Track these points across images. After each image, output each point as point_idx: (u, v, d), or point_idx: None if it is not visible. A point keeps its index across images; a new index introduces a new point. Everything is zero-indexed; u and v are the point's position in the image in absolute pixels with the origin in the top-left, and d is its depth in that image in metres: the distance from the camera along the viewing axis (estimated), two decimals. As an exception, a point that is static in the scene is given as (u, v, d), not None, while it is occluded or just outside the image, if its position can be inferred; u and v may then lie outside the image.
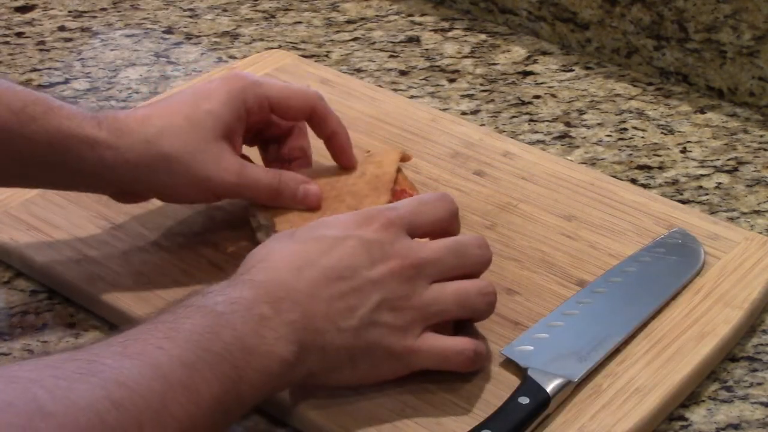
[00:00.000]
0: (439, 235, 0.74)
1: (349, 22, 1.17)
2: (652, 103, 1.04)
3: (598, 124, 1.01)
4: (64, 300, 0.82)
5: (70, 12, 1.18)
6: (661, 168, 0.96)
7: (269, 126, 0.85)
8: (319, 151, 0.86)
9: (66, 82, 1.06)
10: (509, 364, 0.74)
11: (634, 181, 0.94)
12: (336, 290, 0.69)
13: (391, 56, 1.11)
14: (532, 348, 0.74)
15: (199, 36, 1.14)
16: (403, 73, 1.09)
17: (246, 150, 0.85)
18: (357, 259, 0.70)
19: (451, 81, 1.07)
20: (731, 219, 0.90)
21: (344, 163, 0.85)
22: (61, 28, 1.15)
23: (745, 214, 0.91)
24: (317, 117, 0.84)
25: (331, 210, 0.81)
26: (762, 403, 0.74)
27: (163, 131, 0.78)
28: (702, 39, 1.03)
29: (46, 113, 0.76)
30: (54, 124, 0.76)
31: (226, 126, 0.80)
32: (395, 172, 0.84)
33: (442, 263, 0.72)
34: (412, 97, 1.04)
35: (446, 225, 0.74)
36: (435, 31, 1.15)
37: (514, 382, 0.72)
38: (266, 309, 0.65)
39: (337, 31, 1.15)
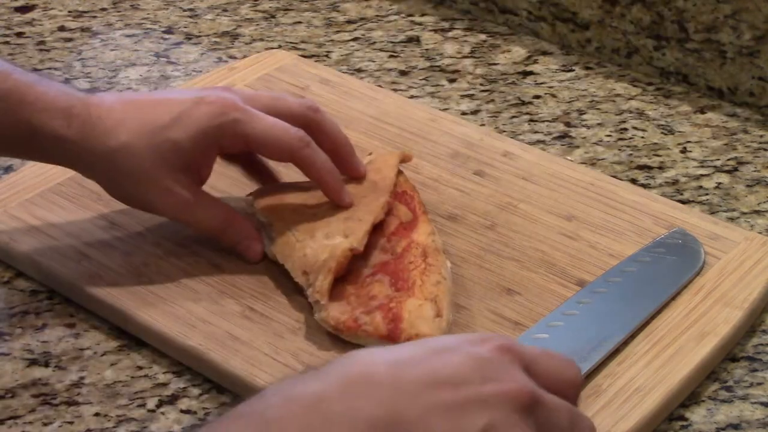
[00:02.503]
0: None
1: (349, 22, 1.17)
2: (652, 103, 1.04)
3: (598, 124, 1.01)
4: (64, 300, 0.82)
5: (70, 12, 1.18)
6: (661, 168, 0.96)
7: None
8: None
9: (66, 82, 1.06)
10: (509, 364, 0.74)
11: (634, 181, 0.94)
12: (437, 398, 0.55)
13: (391, 56, 1.11)
14: (532, 348, 0.74)
15: (199, 36, 1.14)
16: (403, 73, 1.09)
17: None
18: (467, 371, 0.57)
19: (451, 81, 1.07)
20: (731, 219, 0.90)
21: (351, 173, 0.83)
22: (61, 28, 1.15)
23: (745, 214, 0.91)
24: (302, 161, 0.80)
25: (327, 216, 0.80)
26: (762, 403, 0.74)
27: (124, 148, 0.78)
28: (702, 39, 1.03)
29: (17, 107, 0.77)
30: (24, 118, 0.77)
31: (188, 159, 0.79)
32: (395, 176, 0.84)
33: (556, 416, 0.59)
34: (412, 97, 1.04)
35: (565, 389, 0.61)
36: (435, 31, 1.15)
37: (514, 382, 0.72)
38: (337, 405, 0.55)
39: (337, 31, 1.15)
